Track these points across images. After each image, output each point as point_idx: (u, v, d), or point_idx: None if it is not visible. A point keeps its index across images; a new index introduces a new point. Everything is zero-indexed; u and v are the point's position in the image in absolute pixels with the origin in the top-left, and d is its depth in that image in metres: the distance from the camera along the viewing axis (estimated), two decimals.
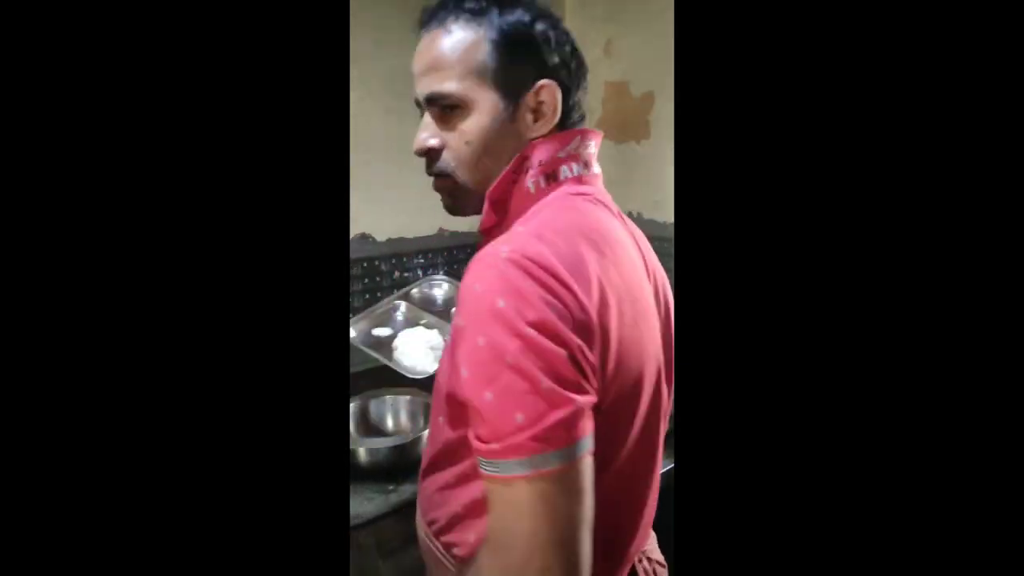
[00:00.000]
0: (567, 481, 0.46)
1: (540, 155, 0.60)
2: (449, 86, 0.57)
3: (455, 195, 0.62)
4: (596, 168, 0.63)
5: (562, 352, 0.46)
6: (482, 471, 0.48)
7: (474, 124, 0.58)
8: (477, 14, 0.57)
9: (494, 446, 0.46)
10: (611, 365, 0.52)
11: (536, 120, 0.60)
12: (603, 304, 0.51)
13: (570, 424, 0.46)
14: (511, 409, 0.46)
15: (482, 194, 0.60)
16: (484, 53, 0.57)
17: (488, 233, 0.62)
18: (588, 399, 0.48)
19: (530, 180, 0.59)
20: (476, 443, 0.48)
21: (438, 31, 0.58)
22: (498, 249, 0.50)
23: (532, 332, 0.46)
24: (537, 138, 0.60)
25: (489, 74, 0.57)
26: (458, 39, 0.57)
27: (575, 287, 0.48)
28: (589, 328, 0.49)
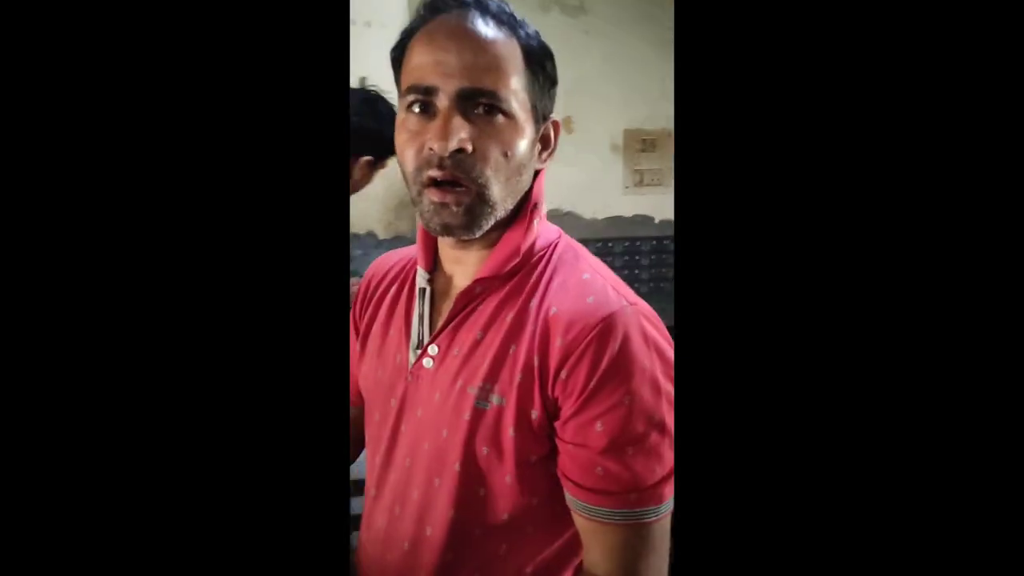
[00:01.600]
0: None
1: (540, 193, 0.58)
2: (504, 88, 0.50)
3: (473, 211, 0.52)
4: None
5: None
6: (600, 520, 0.52)
7: (516, 136, 0.52)
8: (509, 23, 0.52)
9: (632, 496, 0.51)
10: None
11: (542, 152, 0.57)
12: None
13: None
14: (653, 463, 0.51)
15: (496, 216, 0.54)
16: (522, 66, 0.52)
17: (502, 278, 0.55)
18: None
19: (537, 219, 0.57)
20: (598, 496, 0.51)
21: (477, 25, 0.50)
22: (615, 301, 0.52)
23: (670, 389, 0.52)
24: (538, 172, 0.58)
25: (527, 89, 0.53)
26: (502, 42, 0.51)
27: None
28: None
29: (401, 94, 0.54)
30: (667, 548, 0.53)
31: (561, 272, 0.56)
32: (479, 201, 0.52)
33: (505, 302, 0.55)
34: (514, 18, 0.53)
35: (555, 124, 0.57)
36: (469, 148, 0.50)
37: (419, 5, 0.53)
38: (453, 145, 0.49)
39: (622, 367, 0.50)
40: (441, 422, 0.55)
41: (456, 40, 0.50)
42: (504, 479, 0.54)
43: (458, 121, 0.50)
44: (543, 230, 0.58)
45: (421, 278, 0.60)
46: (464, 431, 0.54)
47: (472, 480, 0.55)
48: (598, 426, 0.50)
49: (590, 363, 0.50)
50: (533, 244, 0.56)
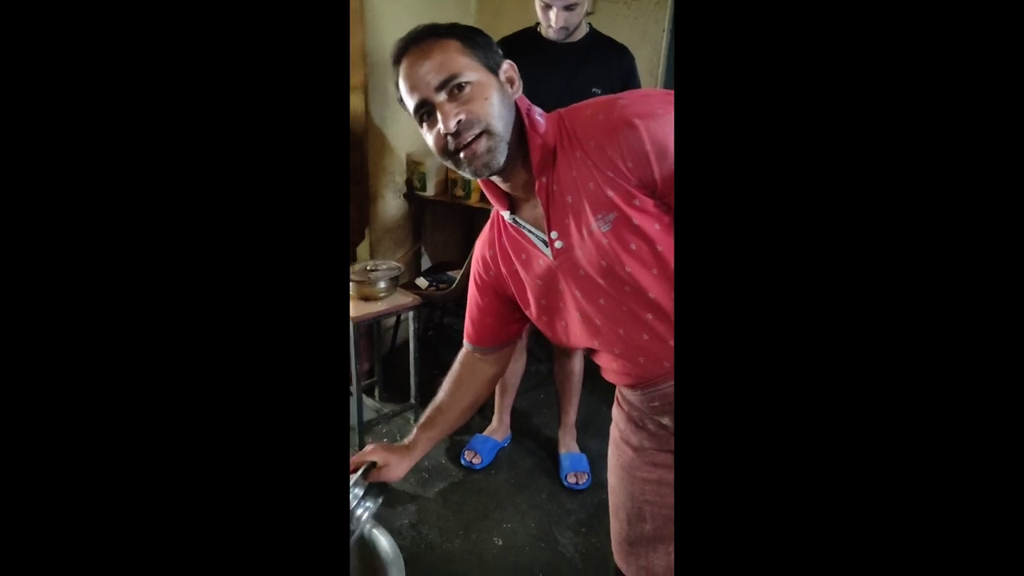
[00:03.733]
0: None
1: (525, 105, 0.82)
2: (468, 74, 0.75)
3: (493, 148, 0.75)
4: None
5: None
6: None
7: (485, 89, 0.76)
8: (444, 31, 0.78)
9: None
10: None
11: (512, 87, 0.81)
12: None
13: None
14: None
15: (506, 141, 0.77)
16: (460, 47, 0.76)
17: (548, 161, 0.79)
18: None
19: (537, 117, 0.82)
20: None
21: (435, 43, 0.76)
22: (610, 102, 0.76)
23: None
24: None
25: (472, 58, 0.77)
26: (442, 44, 0.76)
27: None
28: None
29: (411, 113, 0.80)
30: None
31: (575, 122, 0.78)
32: (489, 135, 0.75)
33: (563, 168, 0.78)
34: (443, 27, 0.78)
35: (511, 66, 0.81)
36: (463, 116, 0.74)
37: (394, 47, 0.80)
38: (456, 121, 0.74)
39: (646, 126, 0.71)
40: (598, 261, 0.78)
41: (427, 58, 0.75)
42: (657, 249, 0.76)
43: (446, 109, 0.75)
44: (544, 119, 0.81)
45: (507, 216, 0.86)
46: (613, 248, 0.77)
47: (642, 268, 0.77)
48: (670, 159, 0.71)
49: (631, 145, 0.72)
50: (547, 127, 0.79)
